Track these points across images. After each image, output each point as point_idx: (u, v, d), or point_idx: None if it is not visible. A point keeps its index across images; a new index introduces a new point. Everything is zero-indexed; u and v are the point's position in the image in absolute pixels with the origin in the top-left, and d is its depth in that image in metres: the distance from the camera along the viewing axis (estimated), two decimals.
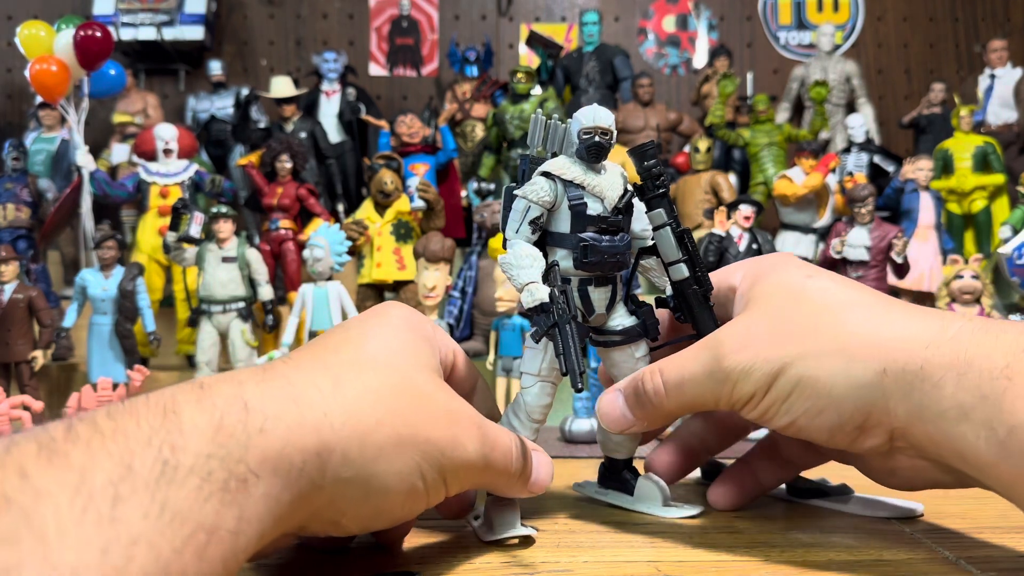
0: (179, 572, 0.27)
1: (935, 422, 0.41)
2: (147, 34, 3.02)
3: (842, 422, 0.45)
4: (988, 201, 2.42)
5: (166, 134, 2.23)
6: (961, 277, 1.86)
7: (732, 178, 2.61)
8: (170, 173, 2.21)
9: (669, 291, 0.57)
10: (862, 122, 2.64)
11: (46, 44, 1.94)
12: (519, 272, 0.52)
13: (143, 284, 1.72)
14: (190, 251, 1.61)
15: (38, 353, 1.59)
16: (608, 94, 2.72)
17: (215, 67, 2.93)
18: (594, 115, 0.54)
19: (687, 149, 2.64)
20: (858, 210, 2.02)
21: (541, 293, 0.51)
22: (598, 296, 0.56)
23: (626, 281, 0.60)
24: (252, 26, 3.32)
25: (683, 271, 0.55)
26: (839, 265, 2.04)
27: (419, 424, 0.40)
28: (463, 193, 2.50)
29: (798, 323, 0.47)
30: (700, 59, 3.35)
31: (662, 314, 0.59)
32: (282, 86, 2.63)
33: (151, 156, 2.29)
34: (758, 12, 3.36)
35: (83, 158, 2.04)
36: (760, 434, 1.16)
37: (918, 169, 2.28)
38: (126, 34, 2.96)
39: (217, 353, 1.60)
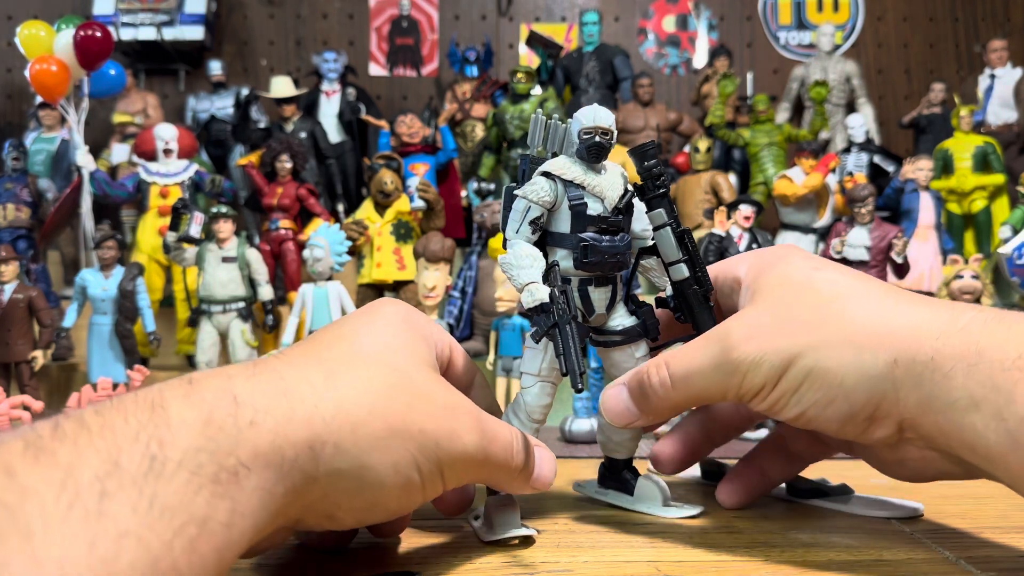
0: (169, 565, 0.27)
1: (945, 413, 0.41)
2: (147, 34, 3.02)
3: (852, 413, 0.45)
4: (988, 201, 2.42)
5: (166, 134, 2.23)
6: (961, 277, 1.86)
7: (732, 178, 2.61)
8: (170, 173, 2.21)
9: (669, 291, 0.57)
10: (862, 122, 2.64)
11: (46, 44, 1.94)
12: (519, 272, 0.52)
13: (143, 284, 1.71)
14: (190, 251, 1.61)
15: (38, 353, 1.59)
16: (608, 94, 2.72)
17: (215, 67, 2.93)
18: (594, 115, 0.54)
19: (687, 149, 2.64)
20: (858, 210, 2.02)
21: (541, 293, 0.51)
22: (598, 296, 0.56)
23: (626, 281, 0.60)
24: (252, 26, 3.32)
25: (683, 271, 0.55)
26: None
27: (413, 416, 0.40)
28: (463, 193, 2.50)
29: (807, 314, 0.46)
30: (700, 59, 3.36)
31: (661, 314, 0.59)
32: (282, 86, 2.63)
33: (151, 156, 2.29)
34: (758, 12, 3.36)
35: (83, 158, 2.04)
36: (759, 434, 1.16)
37: (918, 169, 2.28)
38: (126, 34, 2.96)
39: (217, 353, 1.60)
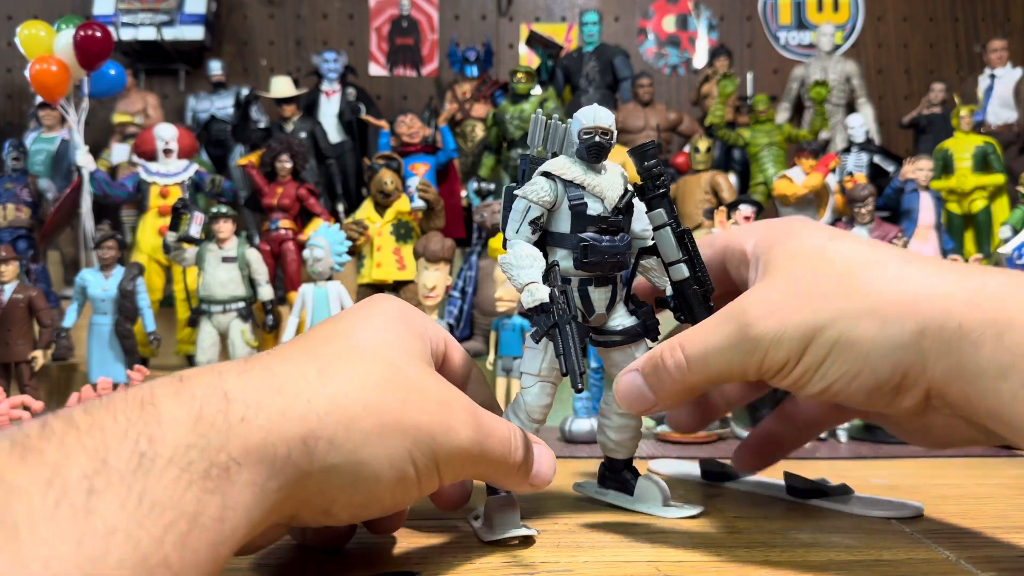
0: (160, 560, 0.27)
1: (973, 381, 0.40)
2: (147, 34, 3.02)
3: (879, 384, 0.44)
4: (988, 201, 2.42)
5: (166, 134, 2.23)
6: None
7: (732, 178, 2.61)
8: (170, 173, 2.21)
9: (669, 291, 0.57)
10: (862, 122, 2.64)
11: (46, 44, 1.94)
12: (519, 272, 0.52)
13: (143, 284, 1.71)
14: (190, 251, 1.61)
15: (38, 353, 1.59)
16: (608, 94, 2.72)
17: (215, 67, 2.93)
18: (594, 115, 0.54)
19: (687, 149, 2.64)
20: (858, 210, 2.02)
21: (541, 293, 0.51)
22: (598, 296, 0.56)
23: (626, 281, 0.60)
24: (252, 26, 3.32)
25: (683, 271, 0.55)
26: None
27: (408, 410, 0.40)
28: (463, 193, 2.50)
29: (826, 285, 0.45)
30: (700, 59, 3.35)
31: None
32: (282, 86, 2.63)
33: (151, 156, 2.29)
34: (758, 12, 3.36)
35: (83, 158, 2.04)
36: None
37: (918, 169, 2.28)
38: (126, 34, 2.96)
39: (217, 353, 1.60)
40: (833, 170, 2.36)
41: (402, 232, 2.01)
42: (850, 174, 2.44)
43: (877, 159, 2.58)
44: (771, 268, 0.48)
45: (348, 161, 2.70)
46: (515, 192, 0.56)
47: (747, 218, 2.05)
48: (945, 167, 2.47)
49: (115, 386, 1.02)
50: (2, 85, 3.27)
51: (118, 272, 1.70)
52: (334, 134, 2.73)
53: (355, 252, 1.93)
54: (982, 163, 2.43)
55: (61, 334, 1.70)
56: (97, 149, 2.54)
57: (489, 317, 1.45)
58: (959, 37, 3.32)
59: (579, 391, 0.48)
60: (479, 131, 2.65)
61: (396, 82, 3.31)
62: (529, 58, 3.10)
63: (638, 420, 0.62)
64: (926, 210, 2.26)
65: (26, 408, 0.92)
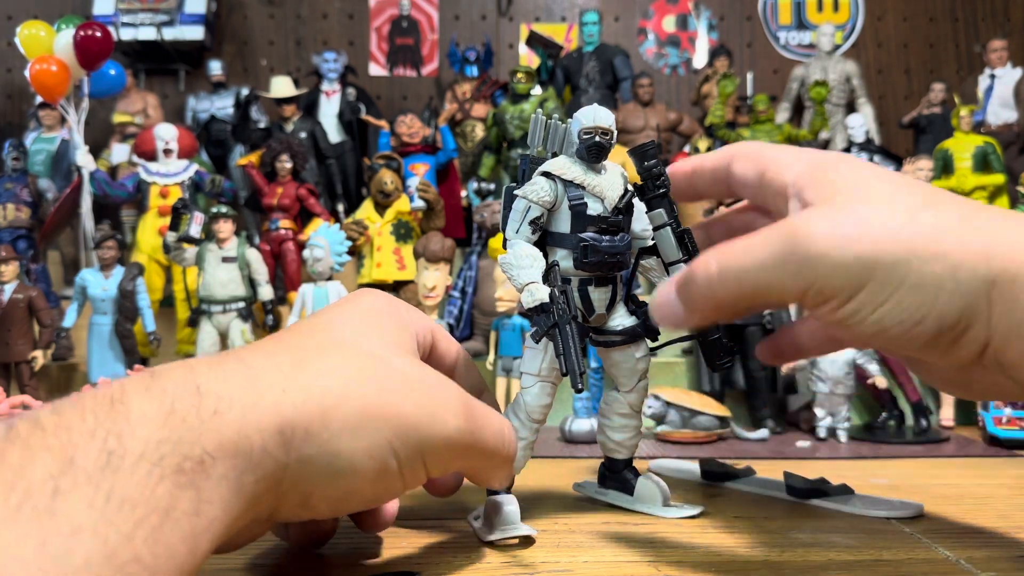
0: (130, 556, 0.27)
1: None
2: (147, 34, 3.01)
3: (940, 333, 0.40)
4: (988, 201, 2.42)
5: (166, 134, 2.23)
6: None
7: None
8: (170, 173, 2.21)
9: None
10: (862, 122, 2.64)
11: (46, 44, 1.94)
12: (519, 272, 0.52)
13: (143, 284, 1.71)
14: (190, 251, 1.61)
15: (38, 353, 1.59)
16: (608, 94, 2.72)
17: (215, 67, 2.93)
18: (594, 115, 0.54)
19: (687, 149, 2.64)
20: None
21: (541, 293, 0.51)
22: (598, 296, 0.56)
23: (626, 281, 0.60)
24: (252, 26, 3.32)
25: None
26: None
27: (388, 399, 0.39)
28: (463, 193, 2.50)
29: (892, 221, 0.40)
30: (700, 59, 3.35)
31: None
32: (282, 86, 2.62)
33: (151, 156, 2.29)
34: (758, 12, 3.36)
35: (83, 158, 2.03)
36: (760, 434, 1.16)
37: (918, 169, 2.28)
38: (126, 34, 2.96)
39: (217, 353, 1.60)
40: None
41: (402, 232, 2.01)
42: None
43: (877, 159, 2.58)
44: (825, 195, 0.43)
45: (348, 161, 2.70)
46: (515, 192, 0.56)
47: None
48: (945, 167, 2.47)
49: None
50: (2, 85, 3.27)
51: (118, 272, 1.70)
52: (334, 134, 2.73)
53: (355, 252, 1.93)
54: (982, 163, 2.43)
55: (61, 334, 1.70)
56: (97, 149, 2.54)
57: (489, 317, 1.45)
58: (959, 37, 3.32)
59: (579, 391, 0.48)
60: (479, 131, 2.65)
61: (396, 82, 3.30)
62: (529, 58, 3.10)
63: (638, 420, 0.62)
64: None
65: (26, 408, 0.92)
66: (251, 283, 1.64)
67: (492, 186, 2.48)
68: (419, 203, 2.03)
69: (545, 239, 0.56)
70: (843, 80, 2.87)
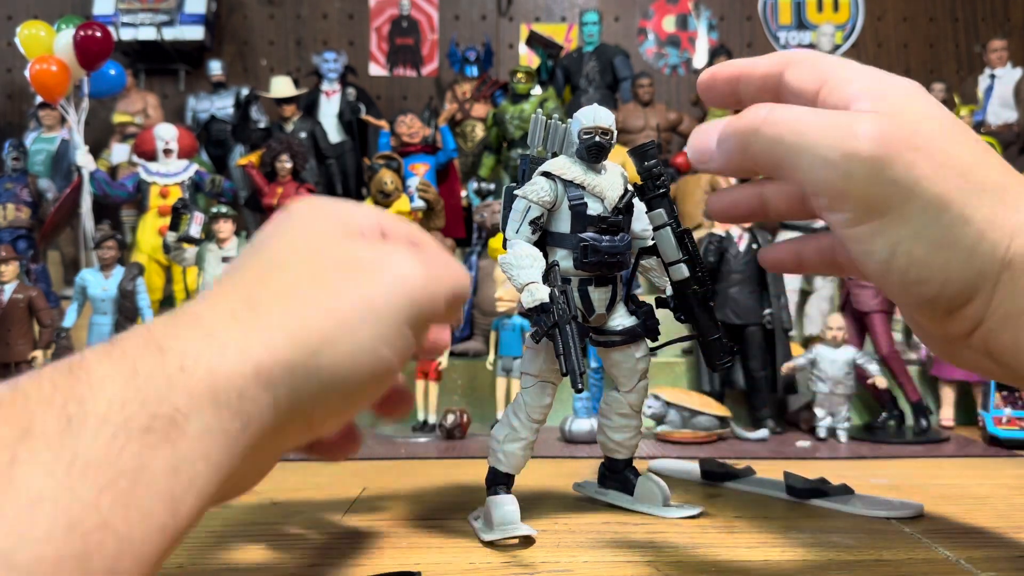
0: (96, 523, 0.26)
1: None
2: (147, 34, 3.01)
3: (940, 299, 0.38)
4: None
5: (166, 134, 2.23)
6: None
7: (732, 178, 2.61)
8: (170, 173, 2.21)
9: (670, 291, 0.57)
10: None
11: (46, 44, 1.94)
12: (519, 272, 0.52)
13: (143, 284, 1.71)
14: (190, 251, 1.61)
15: (38, 353, 1.59)
16: (608, 94, 2.72)
17: (215, 67, 2.93)
18: (594, 115, 0.54)
19: (687, 149, 2.63)
20: None
21: (541, 293, 0.51)
22: (598, 296, 0.56)
23: (626, 281, 0.60)
24: (252, 26, 3.31)
25: (683, 271, 0.55)
26: None
27: (348, 289, 0.37)
28: (463, 193, 2.50)
29: (947, 155, 0.37)
30: (700, 59, 3.35)
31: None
32: (282, 86, 2.62)
33: (151, 156, 2.29)
34: (758, 12, 3.36)
35: (83, 158, 2.03)
36: (760, 434, 1.16)
37: None
38: (126, 34, 2.96)
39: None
40: None
41: None
42: None
43: None
44: (894, 109, 0.39)
45: (348, 161, 2.70)
46: (515, 192, 0.56)
47: None
48: None
49: None
50: (2, 85, 3.27)
51: (118, 272, 1.70)
52: (334, 134, 2.73)
53: None
54: None
55: (61, 334, 1.69)
56: (97, 149, 2.53)
57: (489, 317, 1.45)
58: (959, 37, 3.32)
59: (579, 391, 0.48)
60: (479, 131, 2.65)
61: (396, 82, 3.30)
62: (529, 58, 3.10)
63: (638, 420, 0.62)
64: None
65: None
66: None
67: (492, 186, 2.48)
68: (419, 203, 2.03)
69: (545, 239, 0.56)
70: None
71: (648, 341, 0.60)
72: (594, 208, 0.55)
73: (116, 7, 3.01)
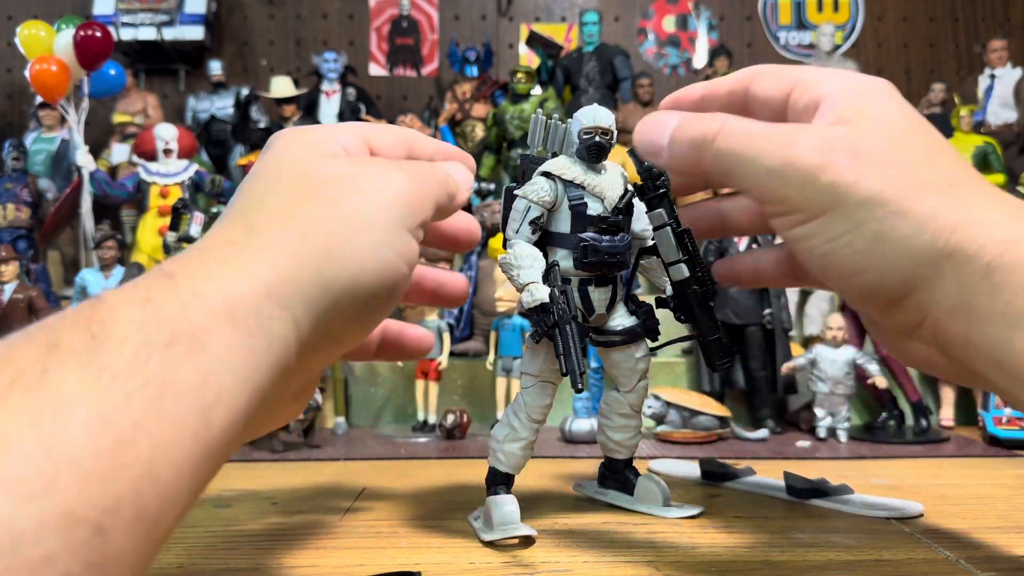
0: (129, 424, 0.27)
1: (981, 325, 0.38)
2: (147, 34, 3.01)
3: (879, 290, 0.40)
4: None
5: (166, 134, 2.23)
6: None
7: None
8: (170, 173, 2.21)
9: (670, 291, 0.57)
10: None
11: (46, 44, 1.94)
12: (519, 272, 0.52)
13: None
14: None
15: None
16: (608, 94, 2.72)
17: (215, 67, 2.93)
18: (594, 115, 0.54)
19: None
20: None
21: (541, 293, 0.51)
22: (598, 296, 0.56)
23: (626, 281, 0.60)
24: (252, 26, 3.32)
25: (683, 271, 0.55)
26: None
27: (339, 204, 0.38)
28: None
29: (883, 161, 0.40)
30: (700, 59, 3.35)
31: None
32: (282, 86, 2.62)
33: (151, 156, 2.29)
34: (758, 12, 3.36)
35: (83, 158, 2.03)
36: (760, 434, 1.16)
37: None
38: (126, 34, 2.96)
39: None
40: None
41: None
42: None
43: None
44: (843, 119, 0.42)
45: None
46: (515, 192, 0.56)
47: None
48: None
49: None
50: (2, 85, 3.27)
51: (118, 272, 1.70)
52: None
53: None
54: (982, 163, 2.44)
55: None
56: (97, 149, 2.53)
57: (489, 317, 1.45)
58: (959, 37, 3.32)
59: (579, 391, 0.48)
60: (479, 131, 2.65)
61: (396, 82, 3.30)
62: (529, 58, 3.10)
63: (638, 420, 0.62)
64: None
65: None
66: None
67: (492, 186, 2.47)
68: None
69: (545, 239, 0.56)
70: None
71: (648, 341, 0.60)
72: (594, 208, 0.55)
73: (116, 7, 3.01)
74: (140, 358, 0.28)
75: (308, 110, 2.75)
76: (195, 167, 2.24)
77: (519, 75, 2.50)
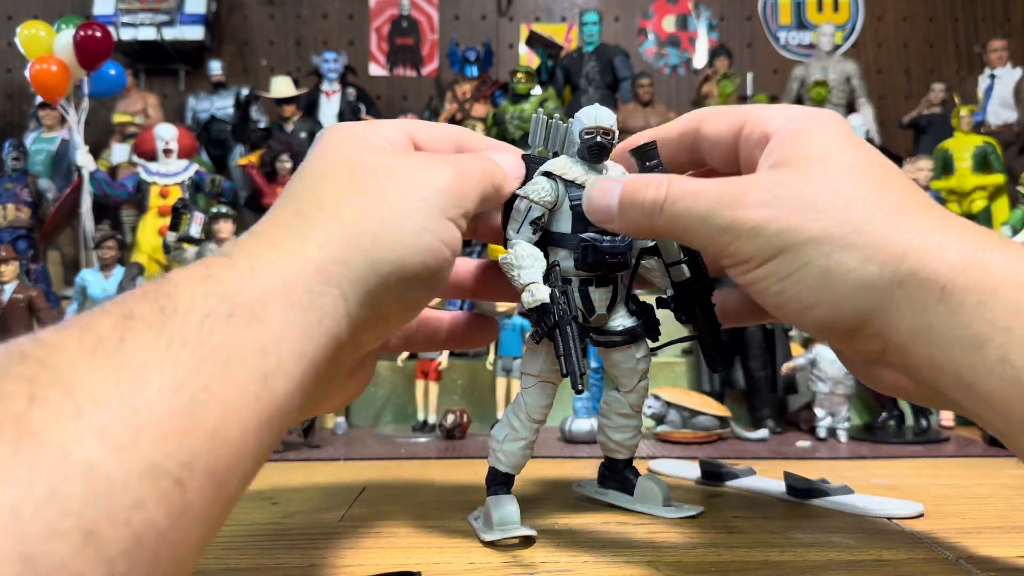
0: (199, 387, 0.29)
1: (945, 348, 0.38)
2: (147, 34, 3.01)
3: (834, 321, 0.42)
4: (988, 201, 2.42)
5: (166, 134, 2.23)
6: None
7: None
8: (170, 173, 2.21)
9: (670, 292, 0.57)
10: (862, 122, 2.64)
11: (46, 44, 1.94)
12: (520, 272, 0.52)
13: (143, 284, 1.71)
14: (190, 251, 1.61)
15: None
16: (608, 94, 2.72)
17: (215, 67, 2.93)
18: (595, 115, 0.54)
19: None
20: None
21: (542, 294, 0.51)
22: (599, 296, 0.56)
23: (628, 282, 0.60)
24: (252, 26, 3.31)
25: (684, 272, 0.55)
26: None
27: (384, 192, 0.41)
28: None
29: (828, 200, 0.41)
30: (700, 59, 3.35)
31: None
32: (282, 86, 2.62)
33: (151, 156, 2.29)
34: (758, 12, 3.36)
35: (83, 158, 2.03)
36: (760, 434, 1.16)
37: (918, 169, 2.28)
38: (126, 34, 2.96)
39: None
40: None
41: None
42: None
43: None
44: (786, 159, 0.44)
45: None
46: (516, 192, 0.56)
47: None
48: (945, 167, 2.47)
49: None
50: (2, 85, 3.27)
51: (118, 272, 1.70)
52: None
53: None
54: (982, 163, 2.43)
55: None
56: (97, 149, 2.53)
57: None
58: (959, 37, 3.32)
59: (579, 392, 0.48)
60: (479, 131, 2.65)
61: (396, 82, 3.30)
62: (529, 58, 3.10)
63: (639, 420, 0.62)
64: None
65: None
66: None
67: None
68: None
69: (546, 239, 0.56)
70: (843, 80, 2.87)
71: (648, 341, 0.60)
72: None
73: (116, 7, 3.01)
74: (205, 328, 0.31)
75: (308, 110, 2.75)
76: (195, 167, 2.24)
77: (519, 75, 2.50)
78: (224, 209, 1.61)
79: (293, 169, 2.20)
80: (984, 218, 2.41)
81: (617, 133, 0.55)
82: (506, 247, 0.55)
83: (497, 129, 2.51)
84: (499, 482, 0.58)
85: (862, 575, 0.46)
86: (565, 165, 0.55)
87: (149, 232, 2.13)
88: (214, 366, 0.30)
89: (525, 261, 0.53)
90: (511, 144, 0.56)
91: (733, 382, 1.30)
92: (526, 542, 0.52)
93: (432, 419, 1.23)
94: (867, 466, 0.90)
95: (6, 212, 2.09)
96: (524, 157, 0.57)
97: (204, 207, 1.79)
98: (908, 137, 2.92)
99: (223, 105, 2.86)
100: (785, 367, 1.22)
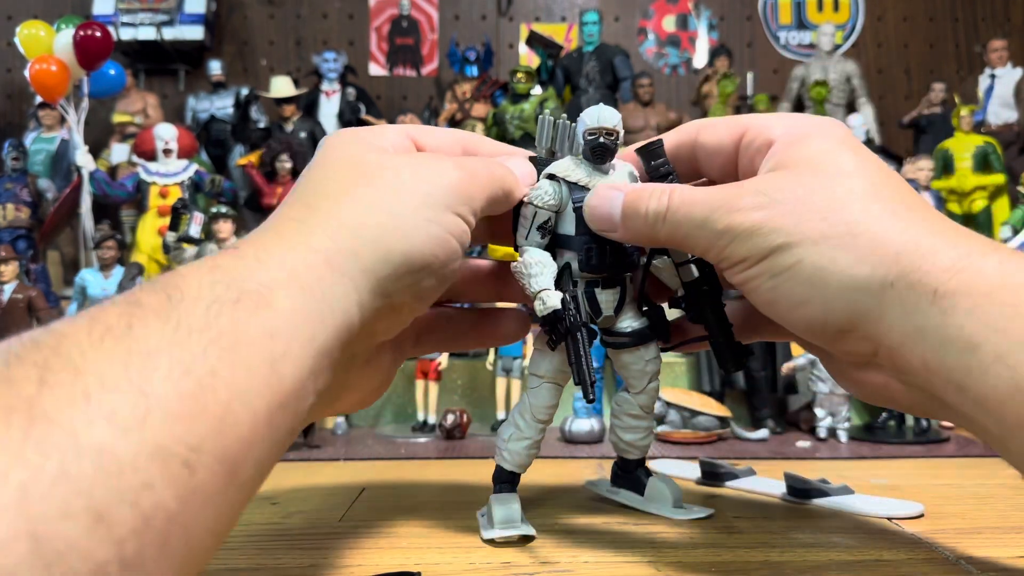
0: (207, 371, 0.29)
1: (938, 350, 0.38)
2: (147, 34, 3.01)
3: (825, 321, 0.42)
4: (988, 201, 2.42)
5: (166, 134, 2.23)
6: None
7: None
8: (170, 173, 2.21)
9: (680, 291, 0.57)
10: (862, 122, 2.64)
11: (46, 44, 1.94)
12: (531, 280, 0.52)
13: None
14: (190, 251, 1.61)
15: None
16: (608, 94, 2.72)
17: (215, 67, 2.93)
18: (598, 115, 0.54)
19: None
20: None
21: (553, 300, 0.51)
22: (605, 298, 0.56)
23: (637, 283, 0.59)
24: (252, 26, 3.31)
25: (693, 271, 0.55)
26: None
27: (391, 188, 0.42)
28: None
29: (821, 201, 0.42)
30: (700, 59, 3.35)
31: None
32: (282, 86, 2.62)
33: (151, 156, 2.29)
34: (758, 12, 3.36)
35: (83, 158, 2.03)
36: (760, 434, 1.16)
37: (918, 169, 2.28)
38: (126, 34, 2.96)
39: None
40: None
41: None
42: None
43: None
44: (785, 164, 0.45)
45: None
46: (521, 198, 0.56)
47: None
48: (945, 167, 2.47)
49: None
50: (2, 85, 3.27)
51: (118, 272, 1.70)
52: None
53: None
54: (982, 163, 2.43)
55: None
56: (97, 149, 2.53)
57: None
58: (959, 37, 3.32)
59: (590, 401, 0.48)
60: (479, 131, 2.65)
61: (396, 82, 3.30)
62: (529, 58, 3.10)
63: (649, 421, 0.62)
64: None
65: None
66: None
67: None
68: None
69: (554, 242, 0.56)
70: (843, 80, 2.87)
71: (659, 342, 0.60)
72: None
73: (116, 7, 3.01)
74: (212, 313, 0.31)
75: (308, 110, 2.75)
76: (195, 167, 2.24)
77: (519, 75, 2.50)
78: (224, 209, 1.61)
79: (293, 169, 2.21)
80: (984, 218, 2.41)
81: (622, 133, 0.54)
82: (516, 251, 0.55)
83: (497, 129, 2.51)
84: (504, 480, 0.58)
85: (862, 575, 0.46)
86: (569, 167, 0.54)
87: (149, 232, 2.13)
88: (221, 350, 0.30)
89: (535, 268, 0.52)
90: (511, 144, 0.56)
91: (733, 382, 1.30)
92: (526, 542, 0.52)
93: (432, 419, 1.23)
94: (867, 466, 0.90)
95: (6, 212, 2.09)
96: (531, 159, 0.56)
97: (204, 207, 1.79)
98: (908, 137, 2.92)
99: (223, 105, 2.86)
100: (785, 367, 1.22)
